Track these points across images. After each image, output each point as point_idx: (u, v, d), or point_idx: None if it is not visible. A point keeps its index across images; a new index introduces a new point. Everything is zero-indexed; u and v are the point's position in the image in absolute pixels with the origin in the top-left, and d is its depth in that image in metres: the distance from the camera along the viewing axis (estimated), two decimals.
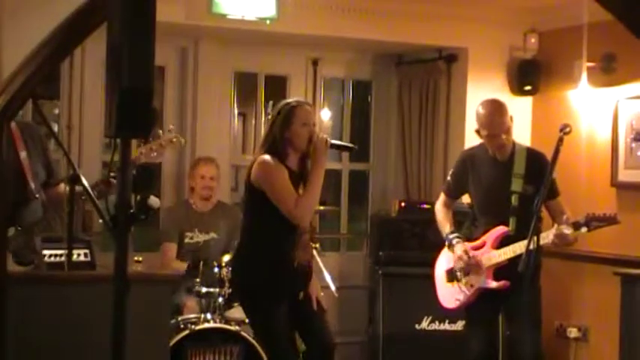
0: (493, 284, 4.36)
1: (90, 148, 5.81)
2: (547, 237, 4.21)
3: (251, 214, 4.08)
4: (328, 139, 3.99)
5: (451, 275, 4.53)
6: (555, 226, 4.23)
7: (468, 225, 4.60)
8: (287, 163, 3.97)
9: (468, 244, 4.46)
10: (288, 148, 3.97)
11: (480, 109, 4.43)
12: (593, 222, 4.21)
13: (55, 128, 5.63)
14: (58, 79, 5.77)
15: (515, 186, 4.37)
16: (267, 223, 3.97)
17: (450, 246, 4.49)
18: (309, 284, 4.10)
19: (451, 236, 4.49)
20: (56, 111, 5.90)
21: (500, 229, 4.37)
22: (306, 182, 3.98)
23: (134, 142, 4.02)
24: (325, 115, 6.87)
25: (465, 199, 4.75)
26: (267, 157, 3.94)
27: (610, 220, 4.25)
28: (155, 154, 4.11)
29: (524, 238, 4.06)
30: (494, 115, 4.38)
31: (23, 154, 4.00)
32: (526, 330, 4.25)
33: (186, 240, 5.41)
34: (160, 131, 4.21)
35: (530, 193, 4.26)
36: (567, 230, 4.19)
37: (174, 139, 4.28)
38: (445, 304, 4.61)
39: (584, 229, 4.23)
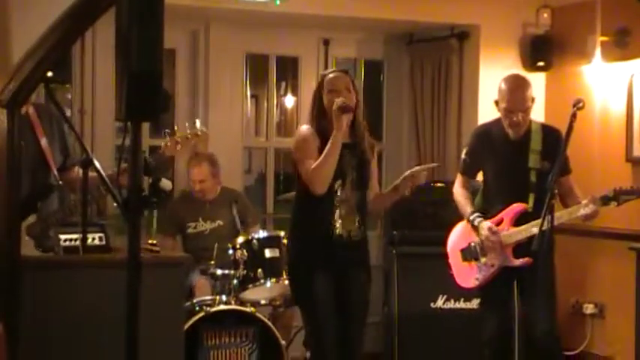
0: (517, 262, 4.30)
1: (103, 132, 5.83)
2: (574, 213, 4.20)
3: (295, 185, 4.06)
4: (339, 103, 3.83)
5: (467, 254, 4.50)
6: (585, 205, 4.19)
7: (478, 201, 4.55)
8: (330, 135, 3.86)
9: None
10: (326, 120, 3.90)
11: (503, 83, 4.39)
12: (622, 195, 4.18)
13: (68, 113, 5.64)
14: (69, 64, 5.78)
15: (532, 162, 4.34)
16: (303, 193, 3.94)
17: (474, 226, 4.42)
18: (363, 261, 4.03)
19: (473, 216, 4.42)
20: (69, 96, 5.91)
21: (518, 206, 4.33)
22: (358, 152, 3.96)
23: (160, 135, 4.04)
24: None
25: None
26: (304, 126, 3.99)
27: (638, 193, 4.21)
28: (180, 147, 4.11)
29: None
30: (516, 90, 4.34)
31: (44, 141, 4.00)
32: (541, 308, 4.24)
33: (190, 230, 5.42)
34: (187, 124, 4.21)
35: (547, 169, 4.24)
36: (596, 206, 4.17)
37: (200, 133, 4.27)
38: (463, 284, 4.57)
39: (613, 204, 4.20)
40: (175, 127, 4.20)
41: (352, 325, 3.99)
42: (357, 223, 3.98)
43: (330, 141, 3.84)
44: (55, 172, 4.01)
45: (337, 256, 3.93)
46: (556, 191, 3.97)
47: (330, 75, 3.99)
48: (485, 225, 4.36)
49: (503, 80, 4.42)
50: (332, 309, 3.90)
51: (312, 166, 3.84)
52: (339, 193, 3.91)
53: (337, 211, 3.91)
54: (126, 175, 3.62)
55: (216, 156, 5.57)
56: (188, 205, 5.47)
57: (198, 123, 4.31)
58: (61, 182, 4.01)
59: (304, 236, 3.97)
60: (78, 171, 3.95)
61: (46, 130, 4.04)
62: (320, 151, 3.86)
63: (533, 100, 4.38)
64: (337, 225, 3.91)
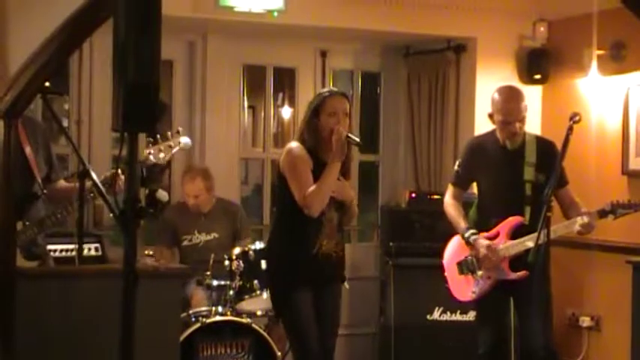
0: (513, 275, 4.29)
1: (100, 143, 5.83)
2: (570, 226, 4.21)
3: (278, 201, 4.12)
4: (345, 132, 3.91)
5: (463, 267, 4.48)
6: (580, 217, 4.20)
7: (473, 214, 4.55)
8: (320, 154, 3.96)
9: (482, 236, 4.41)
10: (318, 139, 3.95)
11: (496, 95, 4.39)
12: (619, 209, 4.19)
13: (65, 123, 5.65)
14: (67, 74, 5.79)
15: (527, 175, 4.33)
16: (289, 210, 3.97)
17: (469, 243, 4.41)
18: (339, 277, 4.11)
19: (468, 233, 4.40)
20: (66, 106, 5.92)
21: (515, 219, 4.32)
22: (345, 175, 4.01)
23: (143, 143, 4.04)
24: None
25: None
26: (294, 144, 3.99)
27: (636, 207, 4.22)
28: (163, 154, 4.11)
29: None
30: (511, 101, 4.34)
31: (28, 149, 4.00)
32: (537, 320, 4.23)
33: (185, 243, 5.40)
34: (170, 133, 4.21)
35: (543, 181, 4.24)
36: (592, 220, 4.18)
37: (182, 145, 4.26)
38: (460, 298, 4.56)
39: (610, 217, 4.21)
40: (158, 136, 4.19)
41: (328, 336, 4.06)
42: (338, 241, 4.07)
43: (329, 168, 3.89)
44: (40, 181, 4.01)
45: (321, 274, 4.00)
46: (553, 204, 3.97)
47: (332, 96, 4.01)
48: (484, 243, 4.35)
49: (497, 92, 4.41)
50: (314, 322, 3.96)
51: (310, 191, 3.88)
52: (325, 213, 3.96)
53: (323, 230, 3.97)
54: (119, 182, 3.64)
55: (211, 168, 5.58)
56: (183, 217, 5.45)
57: (181, 135, 4.27)
58: (45, 191, 4.01)
59: (290, 254, 3.99)
60: (73, 185, 3.96)
61: (30, 140, 4.04)
62: (312, 172, 3.91)
63: (525, 108, 4.39)
64: (323, 244, 3.98)
